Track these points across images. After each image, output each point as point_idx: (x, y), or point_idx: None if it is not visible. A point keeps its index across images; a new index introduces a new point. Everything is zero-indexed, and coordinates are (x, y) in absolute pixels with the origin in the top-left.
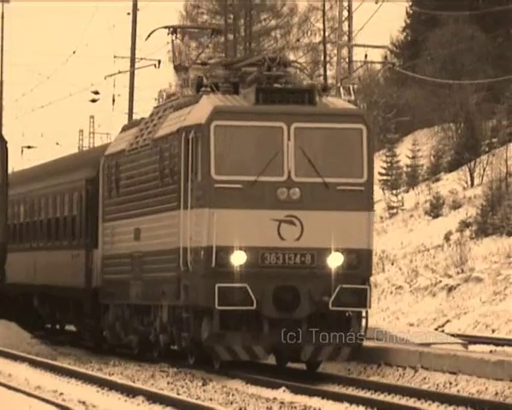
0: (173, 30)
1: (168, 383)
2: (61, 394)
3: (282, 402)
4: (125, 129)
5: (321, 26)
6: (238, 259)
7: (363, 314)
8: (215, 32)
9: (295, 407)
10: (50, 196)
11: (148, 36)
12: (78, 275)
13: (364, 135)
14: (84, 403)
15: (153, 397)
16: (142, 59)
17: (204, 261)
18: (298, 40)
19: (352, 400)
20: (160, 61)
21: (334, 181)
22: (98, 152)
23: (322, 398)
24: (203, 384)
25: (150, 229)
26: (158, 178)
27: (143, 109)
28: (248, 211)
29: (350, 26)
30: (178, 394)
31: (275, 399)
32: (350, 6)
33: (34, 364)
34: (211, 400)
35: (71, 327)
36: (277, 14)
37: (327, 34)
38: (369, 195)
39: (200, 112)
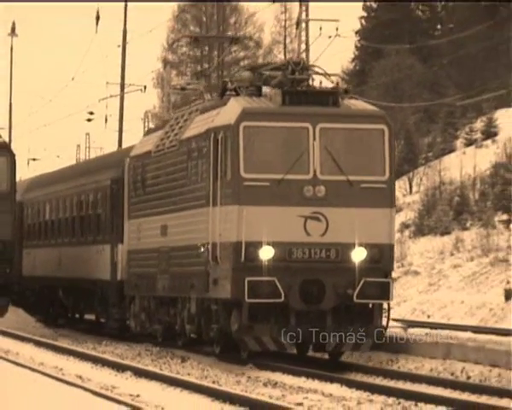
0: (194, 38)
1: (152, 360)
2: (61, 369)
3: (249, 377)
4: (149, 132)
5: (282, 57)
6: (266, 253)
7: (385, 306)
8: (234, 39)
9: (260, 381)
10: (75, 196)
11: (172, 44)
12: (104, 268)
13: (386, 135)
14: (80, 377)
15: (139, 372)
16: (130, 85)
17: (233, 256)
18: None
19: (309, 374)
20: (145, 87)
21: (358, 179)
22: (122, 154)
23: (283, 373)
24: (182, 361)
25: (177, 225)
26: (185, 177)
27: (131, 128)
28: (276, 208)
29: (307, 57)
30: (161, 369)
31: (243, 374)
32: (307, 40)
33: (38, 344)
34: (188, 374)
35: (89, 316)
36: (245, 47)
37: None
38: (391, 192)
39: (229, 113)
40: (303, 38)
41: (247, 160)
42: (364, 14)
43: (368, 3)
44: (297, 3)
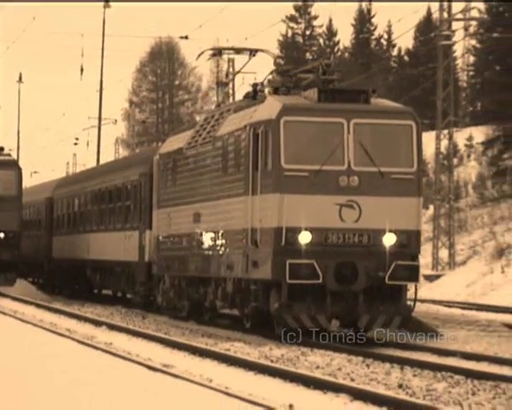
0: (218, 51)
1: (121, 318)
2: (55, 324)
3: (191, 330)
4: (175, 134)
5: (215, 100)
6: (305, 238)
7: (408, 287)
8: (253, 51)
9: (199, 333)
10: (104, 190)
11: (198, 56)
12: (132, 252)
13: (414, 130)
14: (69, 330)
15: (112, 326)
16: (105, 119)
17: (274, 240)
18: (201, 108)
19: (235, 328)
20: (116, 120)
21: (388, 170)
22: (148, 153)
23: (216, 327)
24: (143, 318)
25: (212, 213)
26: (220, 169)
27: (106, 150)
28: (313, 196)
29: (233, 98)
30: (127, 324)
31: (187, 328)
32: (233, 87)
33: (38, 306)
34: (147, 328)
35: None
36: (189, 91)
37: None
38: (418, 182)
39: (268, 109)
40: (230, 85)
41: (287, 152)
42: (274, 67)
43: (277, 61)
44: (226, 59)
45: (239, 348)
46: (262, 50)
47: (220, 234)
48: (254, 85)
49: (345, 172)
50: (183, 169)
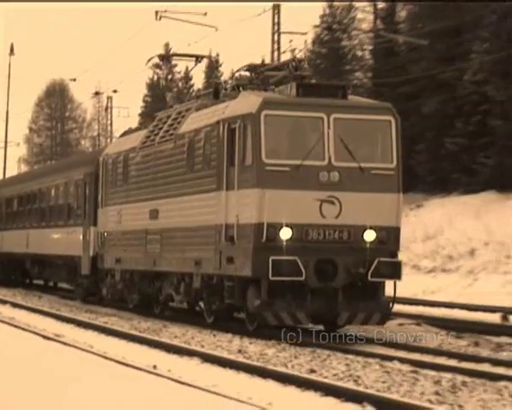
0: (162, 57)
1: (22, 298)
2: None
3: (77, 307)
4: (125, 134)
5: (97, 127)
6: (285, 234)
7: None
8: (199, 58)
9: (83, 309)
10: (45, 190)
11: (148, 61)
12: (75, 246)
13: (393, 125)
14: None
15: (14, 304)
16: (10, 141)
17: (255, 236)
18: (86, 134)
19: (119, 308)
20: (19, 143)
21: (369, 166)
22: (92, 155)
23: (98, 306)
24: (39, 298)
25: (173, 209)
26: (185, 166)
27: (11, 166)
28: (294, 191)
29: (111, 130)
30: (27, 303)
31: (74, 305)
32: (111, 119)
33: None
34: (43, 306)
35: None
36: (76, 121)
37: (100, 131)
38: (398, 178)
39: (246, 104)
40: (109, 116)
41: (268, 146)
42: (143, 104)
43: (146, 98)
44: (105, 96)
45: (115, 322)
46: (205, 57)
47: (184, 230)
48: (216, 84)
49: (325, 168)
50: (136, 168)
